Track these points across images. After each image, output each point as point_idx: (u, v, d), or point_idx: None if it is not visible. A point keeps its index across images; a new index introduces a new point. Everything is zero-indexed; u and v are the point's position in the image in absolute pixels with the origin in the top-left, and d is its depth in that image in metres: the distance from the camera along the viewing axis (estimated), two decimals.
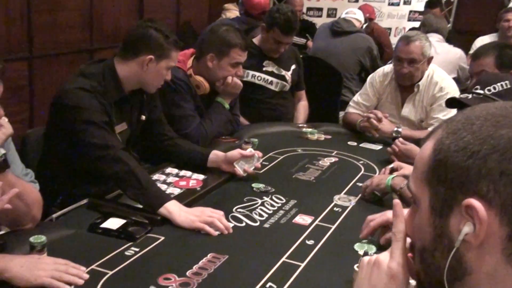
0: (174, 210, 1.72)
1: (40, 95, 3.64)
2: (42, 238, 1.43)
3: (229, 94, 2.58)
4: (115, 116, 1.99)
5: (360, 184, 2.12)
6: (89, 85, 1.91)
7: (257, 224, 1.79)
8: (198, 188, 2.00)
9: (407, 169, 2.04)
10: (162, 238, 1.64)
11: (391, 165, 2.18)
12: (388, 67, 2.98)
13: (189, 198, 1.88)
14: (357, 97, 3.04)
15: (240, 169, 2.13)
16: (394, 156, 2.39)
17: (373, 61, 4.12)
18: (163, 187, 1.95)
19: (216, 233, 1.69)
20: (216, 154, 2.19)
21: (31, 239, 1.42)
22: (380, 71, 3.01)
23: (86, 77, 1.94)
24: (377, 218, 1.64)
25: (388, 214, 1.63)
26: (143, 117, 2.16)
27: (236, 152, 2.15)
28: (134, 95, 2.09)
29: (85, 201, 1.81)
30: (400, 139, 2.43)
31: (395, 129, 2.70)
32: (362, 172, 2.35)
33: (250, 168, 2.15)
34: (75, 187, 1.98)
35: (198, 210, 1.75)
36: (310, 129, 2.86)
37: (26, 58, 3.62)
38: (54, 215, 1.72)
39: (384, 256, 0.84)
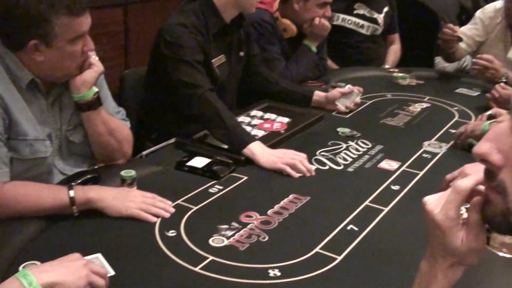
0: (257, 151, 1.74)
1: (134, 41, 3.76)
2: (132, 173, 1.50)
3: (317, 36, 2.52)
4: (213, 48, 2.02)
5: (453, 131, 2.01)
6: (188, 21, 1.95)
7: (341, 167, 1.76)
8: (282, 131, 1.99)
9: None
10: (245, 177, 1.67)
11: (489, 112, 2.03)
12: (500, 3, 2.73)
13: (272, 141, 1.88)
14: (464, 29, 2.80)
15: (342, 106, 2.22)
16: (493, 102, 2.22)
17: (475, 2, 3.81)
18: (248, 129, 1.96)
19: (298, 175, 1.68)
20: (318, 95, 2.26)
21: (122, 172, 1.50)
22: (492, 6, 2.78)
23: (185, 13, 1.99)
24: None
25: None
26: (242, 54, 2.17)
27: (335, 92, 2.24)
28: (232, 28, 2.09)
29: (173, 140, 1.87)
30: (501, 84, 2.25)
31: (505, 72, 2.48)
32: (456, 118, 2.22)
33: (351, 104, 2.24)
34: (168, 125, 2.06)
35: (280, 152, 1.75)
36: (401, 74, 2.73)
37: (121, 5, 3.73)
38: (144, 152, 1.79)
39: (433, 205, 0.77)
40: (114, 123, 1.60)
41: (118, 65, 3.54)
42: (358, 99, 2.28)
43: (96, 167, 1.64)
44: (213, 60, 2.03)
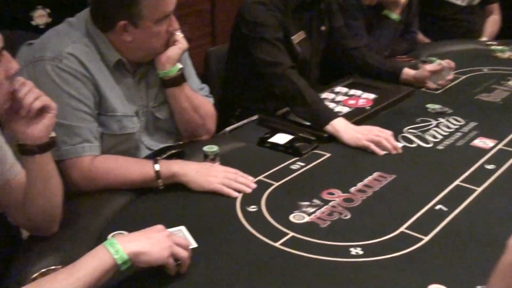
0: (340, 127, 1.69)
1: (221, 19, 3.80)
2: (215, 148, 1.52)
3: (391, 3, 2.39)
4: (293, 24, 1.99)
5: None
6: None
7: (430, 145, 1.68)
8: (368, 107, 1.92)
9: None
10: (328, 154, 1.63)
11: None
12: None
13: (357, 117, 1.82)
14: None
15: (433, 83, 2.12)
16: None
17: None
18: (332, 105, 1.92)
19: (383, 152, 1.62)
20: (407, 74, 2.16)
21: (205, 148, 1.52)
22: None
23: None
24: None
25: None
26: (323, 28, 2.12)
27: (424, 71, 2.13)
28: (311, 3, 2.04)
29: (255, 117, 1.87)
30: None
31: None
32: None
33: (443, 81, 2.14)
34: (251, 102, 2.06)
35: (365, 128, 1.70)
36: (500, 47, 2.54)
37: None
38: (227, 129, 1.81)
39: None
40: (198, 100, 1.62)
41: (205, 44, 3.59)
42: (451, 75, 2.15)
43: (180, 142, 1.68)
44: (292, 37, 2.00)
